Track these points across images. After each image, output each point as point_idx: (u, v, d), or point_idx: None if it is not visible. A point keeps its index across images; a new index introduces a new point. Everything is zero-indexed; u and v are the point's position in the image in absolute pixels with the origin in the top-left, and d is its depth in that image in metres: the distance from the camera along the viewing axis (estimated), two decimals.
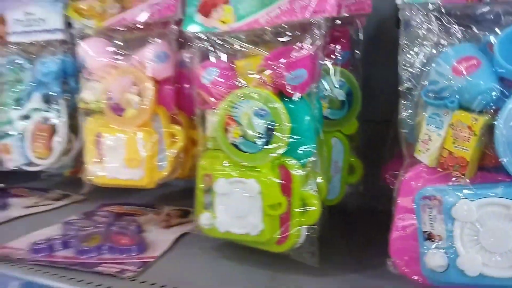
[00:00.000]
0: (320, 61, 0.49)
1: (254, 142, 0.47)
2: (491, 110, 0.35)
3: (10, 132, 0.77)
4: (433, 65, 0.39)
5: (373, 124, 0.63)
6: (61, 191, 0.88)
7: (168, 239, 0.60)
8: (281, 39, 0.49)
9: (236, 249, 0.55)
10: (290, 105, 0.47)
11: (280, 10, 0.47)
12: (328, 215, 0.54)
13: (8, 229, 0.67)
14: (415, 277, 0.40)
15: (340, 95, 0.59)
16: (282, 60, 0.46)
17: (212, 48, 0.52)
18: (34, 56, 0.77)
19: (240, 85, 0.49)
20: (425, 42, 0.40)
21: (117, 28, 0.64)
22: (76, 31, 0.67)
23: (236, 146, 0.49)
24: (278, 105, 0.46)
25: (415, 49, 0.41)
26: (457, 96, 0.36)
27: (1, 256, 0.54)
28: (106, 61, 0.63)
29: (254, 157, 0.48)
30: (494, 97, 0.35)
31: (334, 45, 0.58)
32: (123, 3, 0.63)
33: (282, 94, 0.48)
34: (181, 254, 0.56)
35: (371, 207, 0.63)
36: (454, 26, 0.38)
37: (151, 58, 0.61)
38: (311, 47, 0.46)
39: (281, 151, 0.47)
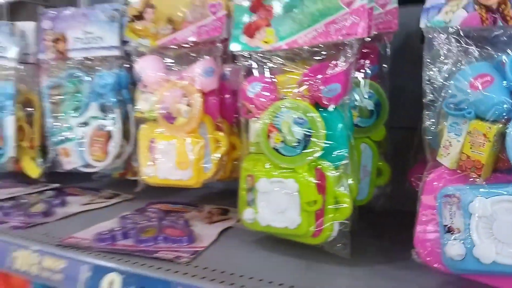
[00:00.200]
0: (352, 75, 0.55)
1: (293, 147, 0.54)
2: (503, 120, 0.41)
3: (70, 137, 0.86)
4: (453, 80, 0.44)
5: (400, 131, 0.68)
6: (111, 190, 0.98)
7: (213, 232, 0.67)
8: (317, 57, 0.56)
9: (275, 242, 0.61)
10: (325, 115, 0.53)
11: (316, 32, 0.54)
12: (358, 214, 0.61)
13: (70, 222, 0.76)
14: (436, 265, 0.45)
15: (369, 105, 0.65)
16: (319, 76, 0.52)
17: (256, 65, 0.60)
18: (92, 70, 0.86)
19: (281, 97, 0.57)
20: (446, 60, 0.46)
21: (169, 46, 0.73)
22: (132, 49, 0.76)
23: (277, 150, 0.56)
24: (315, 114, 0.53)
25: (437, 66, 0.47)
26: (473, 108, 0.42)
27: (70, 245, 0.63)
28: (159, 76, 0.72)
29: (293, 160, 0.54)
30: (505, 109, 0.40)
31: (364, 60, 0.64)
32: (175, 25, 0.72)
33: (318, 105, 0.54)
34: (225, 245, 0.63)
35: (398, 208, 0.69)
36: (471, 46, 0.44)
37: (200, 73, 0.69)
38: (344, 64, 0.52)
39: (317, 154, 0.53)
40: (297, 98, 0.55)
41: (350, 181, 0.56)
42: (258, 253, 0.60)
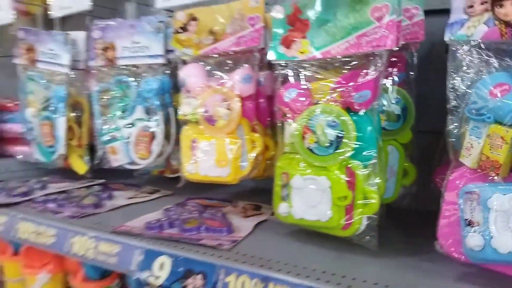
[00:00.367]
0: (381, 83, 0.60)
1: (326, 147, 0.60)
2: None
3: (117, 137, 0.95)
4: (474, 88, 0.49)
5: (425, 135, 0.73)
6: (151, 186, 1.06)
7: (249, 224, 0.74)
8: (349, 66, 0.61)
9: (307, 234, 0.67)
10: (356, 118, 0.59)
11: (348, 44, 0.60)
12: (385, 211, 0.66)
13: (118, 213, 0.84)
14: (457, 256, 0.50)
15: (396, 109, 0.70)
16: (351, 83, 0.58)
17: (291, 73, 0.66)
18: (138, 76, 0.94)
19: (315, 102, 0.62)
20: (468, 70, 0.51)
21: (210, 55, 0.80)
22: (177, 57, 0.84)
23: (311, 150, 0.61)
24: (347, 118, 0.58)
25: (460, 75, 0.52)
26: (492, 113, 0.47)
27: (123, 232, 0.70)
28: (202, 82, 0.79)
29: (326, 159, 0.60)
30: None
31: (392, 68, 0.70)
32: (216, 36, 0.79)
33: (349, 109, 0.60)
34: (261, 236, 0.70)
35: (422, 207, 0.73)
36: (491, 58, 0.49)
37: (239, 80, 0.75)
38: (374, 72, 0.58)
39: (348, 154, 0.59)
40: (330, 103, 0.60)
41: (377, 179, 0.61)
42: (291, 243, 0.66)
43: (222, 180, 0.78)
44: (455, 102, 0.53)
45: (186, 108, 0.81)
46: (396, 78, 0.70)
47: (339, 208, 0.60)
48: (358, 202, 0.59)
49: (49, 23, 1.12)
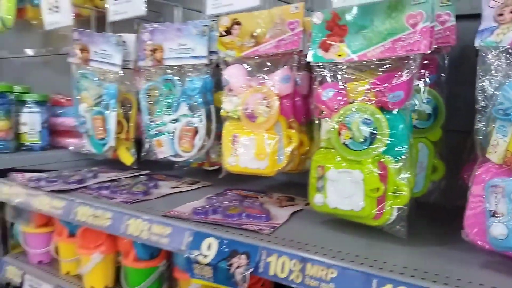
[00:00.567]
0: (413, 84, 0.65)
1: (360, 143, 0.65)
2: None
3: (163, 132, 1.03)
4: (502, 91, 0.54)
5: (455, 133, 0.77)
6: (191, 178, 1.14)
7: (285, 213, 0.80)
8: (383, 68, 0.66)
9: (340, 223, 0.73)
10: (389, 116, 0.64)
11: (384, 48, 0.65)
12: (414, 204, 0.70)
13: (165, 200, 0.92)
14: (482, 244, 0.55)
15: (427, 109, 0.75)
16: (385, 84, 0.63)
17: (329, 74, 0.71)
18: (183, 75, 1.02)
19: (351, 101, 0.68)
20: (496, 74, 0.55)
21: (252, 57, 0.86)
22: (220, 59, 0.91)
23: (346, 145, 0.67)
24: (380, 116, 0.63)
25: (489, 78, 0.56)
26: None
27: (173, 216, 0.78)
28: (244, 82, 0.86)
29: (360, 154, 0.66)
30: None
31: (424, 70, 0.74)
32: (257, 39, 0.85)
33: (383, 108, 0.65)
34: (297, 224, 0.76)
35: (450, 202, 0.77)
36: None
37: (278, 80, 0.82)
38: (407, 74, 0.63)
39: (381, 150, 0.64)
40: (365, 102, 0.66)
41: (408, 174, 0.66)
42: (326, 231, 0.72)
43: (260, 172, 0.84)
44: (483, 102, 0.58)
45: (228, 105, 0.88)
46: (428, 80, 0.75)
47: (371, 199, 0.65)
48: (390, 194, 0.64)
49: (99, 25, 1.22)
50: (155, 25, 1.04)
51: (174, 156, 1.03)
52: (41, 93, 1.31)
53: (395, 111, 0.64)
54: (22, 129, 1.23)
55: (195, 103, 0.99)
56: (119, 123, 1.12)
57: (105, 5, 0.99)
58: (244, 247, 0.65)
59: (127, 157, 1.14)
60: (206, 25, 0.96)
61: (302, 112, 0.88)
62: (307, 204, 0.86)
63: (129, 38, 1.10)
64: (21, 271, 1.09)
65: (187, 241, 0.71)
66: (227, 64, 0.90)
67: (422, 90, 0.74)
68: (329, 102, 0.70)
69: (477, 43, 0.57)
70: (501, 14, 0.56)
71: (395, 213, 0.65)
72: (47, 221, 1.09)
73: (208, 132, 1.01)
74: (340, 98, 0.69)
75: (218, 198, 0.89)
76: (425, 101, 0.75)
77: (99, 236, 0.93)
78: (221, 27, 0.89)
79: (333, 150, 0.70)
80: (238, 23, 0.88)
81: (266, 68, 0.87)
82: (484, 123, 0.57)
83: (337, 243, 0.66)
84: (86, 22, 1.23)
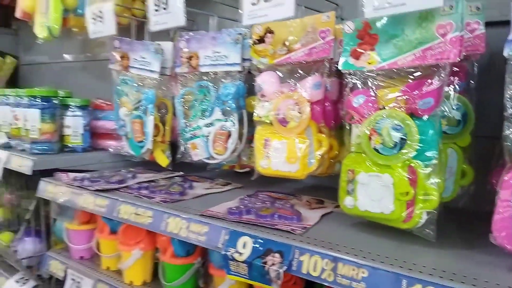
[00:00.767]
0: (443, 91, 0.67)
1: (391, 148, 0.68)
2: None
3: (198, 135, 1.08)
4: None
5: (483, 139, 0.78)
6: (223, 179, 1.19)
7: (316, 215, 0.83)
8: (413, 76, 0.69)
9: (369, 225, 0.75)
10: (419, 123, 0.66)
11: (414, 56, 0.67)
12: (443, 209, 0.72)
13: (201, 201, 0.97)
14: (510, 247, 0.56)
15: (457, 115, 0.77)
16: (415, 91, 0.66)
17: (360, 81, 0.74)
18: (217, 81, 1.07)
19: (381, 107, 0.71)
20: None
21: (284, 64, 0.90)
22: (253, 66, 0.95)
23: (376, 150, 0.70)
24: (411, 122, 0.66)
25: None
26: None
27: (210, 215, 0.83)
28: (276, 88, 0.90)
29: (390, 159, 0.68)
30: None
31: (453, 77, 0.76)
32: (289, 47, 0.89)
33: (412, 115, 0.67)
34: (327, 225, 0.79)
35: (479, 207, 0.78)
36: None
37: (310, 86, 0.85)
38: (437, 82, 0.65)
39: (411, 155, 0.66)
40: (396, 108, 0.68)
41: (437, 178, 0.68)
42: (356, 232, 0.75)
43: (291, 175, 0.88)
44: (511, 109, 0.59)
45: (260, 110, 0.92)
46: (457, 86, 0.76)
47: (401, 203, 0.68)
48: (419, 198, 0.67)
49: (137, 33, 1.28)
50: (191, 34, 1.09)
51: (208, 158, 1.08)
52: (79, 97, 1.40)
53: (425, 118, 0.66)
54: (66, 132, 1.32)
55: (228, 108, 1.04)
56: (156, 126, 1.18)
57: (147, 15, 1.05)
58: (277, 246, 0.69)
59: (163, 159, 1.20)
60: (240, 33, 1.01)
61: (331, 117, 0.91)
62: (337, 206, 0.89)
63: (166, 46, 1.16)
64: (64, 266, 1.17)
65: (224, 239, 0.76)
66: (259, 71, 0.94)
67: (452, 96, 0.76)
68: (359, 108, 0.73)
69: (506, 53, 0.58)
70: None
71: (424, 216, 0.68)
72: (89, 218, 1.16)
73: (240, 136, 1.06)
74: (371, 104, 0.72)
75: (251, 199, 0.93)
76: (454, 108, 0.76)
77: (139, 233, 0.99)
78: (254, 36, 0.93)
79: (363, 155, 0.73)
80: (271, 32, 0.92)
81: (297, 75, 0.90)
82: None
83: (367, 244, 0.68)
84: (124, 30, 1.29)
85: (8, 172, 1.31)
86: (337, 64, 0.81)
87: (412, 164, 0.67)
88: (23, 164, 1.21)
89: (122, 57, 1.21)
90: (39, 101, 1.25)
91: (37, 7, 1.41)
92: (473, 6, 0.78)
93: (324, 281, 0.63)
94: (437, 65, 0.66)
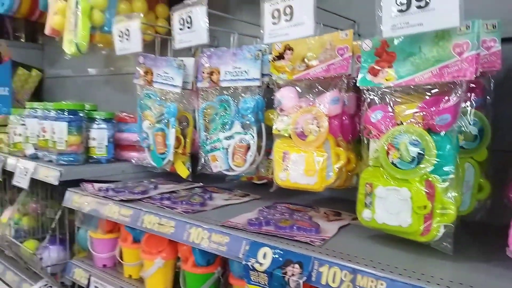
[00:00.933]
0: (460, 107, 0.69)
1: (408, 162, 0.70)
2: None
3: (218, 147, 1.11)
4: None
5: (500, 154, 0.80)
6: (241, 190, 1.22)
7: (334, 227, 0.85)
8: (431, 93, 0.71)
9: (387, 238, 0.77)
10: (436, 138, 0.68)
11: (431, 73, 0.69)
12: (460, 222, 0.73)
13: (221, 212, 1.00)
14: None
15: (474, 130, 0.78)
16: (433, 108, 0.68)
17: (378, 97, 0.77)
18: (237, 96, 1.10)
19: (398, 123, 0.73)
20: None
21: (302, 79, 0.93)
22: (272, 81, 0.99)
23: (394, 164, 0.72)
24: (428, 138, 0.68)
25: None
26: None
27: (230, 226, 0.85)
28: (295, 103, 0.92)
29: (408, 173, 0.70)
30: None
31: (470, 93, 0.77)
32: (308, 64, 0.92)
33: (430, 130, 0.69)
34: (345, 237, 0.81)
35: (496, 221, 0.79)
36: None
37: (328, 101, 0.88)
38: (454, 99, 0.67)
39: (428, 169, 0.68)
40: (413, 124, 0.70)
41: (454, 192, 0.69)
42: (373, 244, 0.76)
43: (309, 188, 0.90)
44: None
45: (279, 124, 0.95)
46: (474, 102, 0.78)
47: (418, 216, 0.69)
48: (437, 211, 0.68)
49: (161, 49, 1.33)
50: (213, 50, 1.14)
51: (227, 170, 1.11)
52: (101, 110, 1.45)
53: (442, 133, 0.68)
54: (91, 144, 1.37)
55: (248, 122, 1.07)
56: (177, 139, 1.22)
57: (172, 33, 1.10)
58: (297, 257, 0.71)
59: (183, 170, 1.24)
60: (260, 49, 1.05)
61: (349, 131, 0.93)
62: (354, 219, 0.91)
63: (188, 61, 1.21)
64: (87, 273, 1.20)
65: (244, 250, 0.78)
66: (279, 86, 0.97)
67: (469, 112, 0.78)
68: (377, 123, 0.75)
69: None
70: None
71: (442, 230, 0.69)
72: (112, 227, 1.20)
73: (258, 148, 1.09)
74: (388, 120, 0.74)
75: (269, 211, 0.95)
76: (471, 123, 0.78)
77: (161, 242, 1.02)
78: (274, 52, 0.97)
79: (381, 169, 0.75)
80: (290, 49, 0.95)
81: (315, 90, 0.93)
82: None
83: (385, 256, 0.70)
84: (147, 45, 1.34)
85: (33, 182, 1.36)
86: (355, 80, 0.84)
87: (430, 179, 0.69)
88: (50, 175, 1.26)
89: (146, 73, 1.26)
90: (67, 114, 1.30)
91: (66, 25, 1.48)
92: (489, 24, 0.80)
93: None
94: (453, 82, 0.68)
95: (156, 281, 1.04)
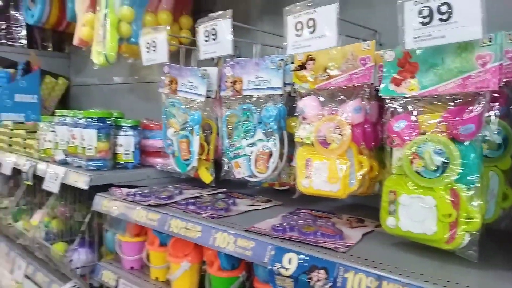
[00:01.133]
0: (484, 117, 0.70)
1: (433, 171, 0.71)
2: None
3: (241, 154, 1.14)
4: None
5: None
6: (263, 196, 1.24)
7: (357, 234, 0.87)
8: (454, 103, 0.72)
9: (411, 246, 0.78)
10: (461, 147, 0.69)
11: (454, 84, 0.71)
12: (485, 230, 0.74)
13: (245, 217, 1.02)
14: None
15: (498, 139, 0.79)
16: (457, 118, 0.69)
17: (401, 107, 0.78)
18: (259, 104, 1.13)
19: (422, 132, 0.74)
20: None
21: (324, 89, 0.95)
22: (293, 90, 1.01)
23: (418, 173, 0.73)
24: (452, 147, 0.69)
25: None
26: None
27: (255, 231, 0.88)
28: (317, 111, 0.95)
29: (432, 181, 0.71)
30: None
31: (494, 103, 0.78)
32: (330, 73, 0.94)
33: (454, 139, 0.70)
34: (369, 244, 0.82)
35: None
36: None
37: (350, 110, 0.90)
38: (478, 109, 0.68)
39: (453, 178, 0.69)
40: (437, 133, 0.72)
41: (479, 201, 0.70)
42: (398, 252, 0.78)
43: (332, 195, 0.92)
44: None
45: (302, 132, 0.97)
46: (497, 112, 0.79)
47: (443, 224, 0.70)
48: (462, 220, 0.69)
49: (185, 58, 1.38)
50: (236, 60, 1.17)
51: (250, 176, 1.14)
52: (127, 117, 1.50)
53: (466, 143, 0.69)
54: (118, 150, 1.42)
55: (270, 129, 1.10)
56: (201, 145, 1.25)
57: (197, 44, 1.14)
58: (322, 263, 0.73)
59: (207, 176, 1.27)
60: (282, 59, 1.07)
61: (371, 139, 0.95)
62: (377, 226, 0.92)
63: (212, 71, 1.24)
64: (115, 275, 1.25)
65: (269, 255, 0.80)
66: (301, 95, 1.00)
67: (493, 121, 0.78)
68: (400, 133, 0.76)
69: None
70: None
71: (467, 238, 0.70)
72: (139, 231, 1.24)
73: (280, 155, 1.11)
74: (412, 129, 0.75)
75: (293, 217, 0.97)
76: (495, 132, 0.79)
77: (187, 246, 1.05)
78: (296, 62, 0.99)
79: (405, 177, 0.76)
80: (312, 59, 0.97)
81: (338, 99, 0.95)
82: None
83: (410, 263, 0.71)
84: (171, 55, 1.39)
85: (62, 186, 1.42)
86: (376, 88, 0.86)
87: (455, 187, 0.70)
88: (80, 180, 1.31)
89: (171, 82, 1.30)
90: (96, 122, 1.36)
91: (95, 36, 1.54)
92: None
93: None
94: (477, 92, 0.69)
95: (182, 284, 1.07)
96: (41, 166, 1.57)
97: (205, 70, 1.21)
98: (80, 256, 1.38)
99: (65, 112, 1.52)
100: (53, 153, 1.57)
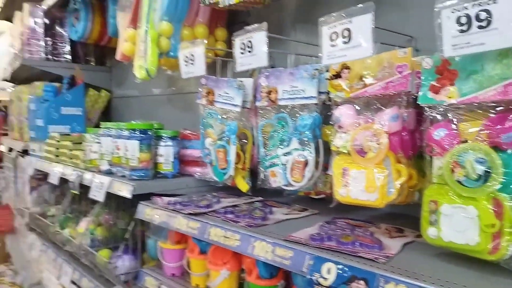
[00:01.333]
0: None
1: (475, 180, 0.69)
2: None
3: (277, 163, 1.16)
4: None
5: None
6: (299, 205, 1.25)
7: (397, 244, 0.86)
8: (495, 110, 0.70)
9: (453, 256, 0.76)
10: (503, 156, 0.67)
11: (495, 91, 0.69)
12: None
13: (282, 226, 1.04)
14: None
15: None
16: (499, 126, 0.67)
17: (440, 115, 0.77)
18: (294, 114, 1.14)
19: (462, 140, 0.73)
20: None
21: (360, 97, 0.95)
22: (328, 98, 1.02)
23: (459, 182, 0.72)
24: (495, 155, 0.67)
25: None
26: None
27: (293, 240, 0.89)
28: (353, 120, 0.95)
29: (474, 191, 0.70)
30: None
31: None
32: (365, 82, 0.94)
33: (496, 148, 0.69)
34: (410, 255, 0.81)
35: None
36: None
37: (387, 118, 0.89)
38: None
39: (495, 187, 0.67)
40: (477, 142, 0.70)
41: None
42: (439, 262, 0.76)
43: (370, 204, 0.91)
44: None
45: (338, 141, 0.98)
46: None
47: (486, 235, 0.68)
48: (506, 230, 0.67)
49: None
50: (270, 70, 1.19)
51: (286, 185, 1.15)
52: (167, 128, 1.56)
53: (509, 151, 0.67)
54: (159, 160, 1.48)
55: (305, 138, 1.10)
56: (237, 155, 1.28)
57: (234, 55, 1.17)
58: (362, 273, 0.73)
59: (243, 184, 1.30)
60: (316, 69, 1.08)
61: (409, 147, 0.94)
62: (418, 236, 0.91)
63: (247, 81, 1.27)
64: (157, 282, 1.29)
65: (308, 264, 0.81)
66: (336, 104, 1.00)
67: None
68: (440, 141, 0.75)
69: None
70: None
71: (511, 249, 0.68)
72: (180, 238, 1.28)
73: (316, 164, 1.11)
74: (452, 137, 0.74)
75: (330, 226, 0.98)
76: None
77: (226, 254, 1.08)
78: (331, 71, 1.00)
79: (445, 186, 0.75)
80: (347, 68, 0.97)
81: (374, 107, 0.95)
82: None
83: (452, 275, 0.70)
84: (207, 67, 1.43)
85: (107, 195, 1.49)
86: (414, 96, 0.85)
87: (497, 197, 0.68)
88: (124, 189, 1.38)
89: (208, 93, 1.34)
90: (138, 133, 1.42)
91: (136, 51, 1.62)
92: None
93: None
94: None
95: None
96: (87, 176, 1.65)
97: (241, 81, 1.24)
98: (124, 262, 1.44)
99: (109, 124, 1.60)
100: (99, 163, 1.65)
